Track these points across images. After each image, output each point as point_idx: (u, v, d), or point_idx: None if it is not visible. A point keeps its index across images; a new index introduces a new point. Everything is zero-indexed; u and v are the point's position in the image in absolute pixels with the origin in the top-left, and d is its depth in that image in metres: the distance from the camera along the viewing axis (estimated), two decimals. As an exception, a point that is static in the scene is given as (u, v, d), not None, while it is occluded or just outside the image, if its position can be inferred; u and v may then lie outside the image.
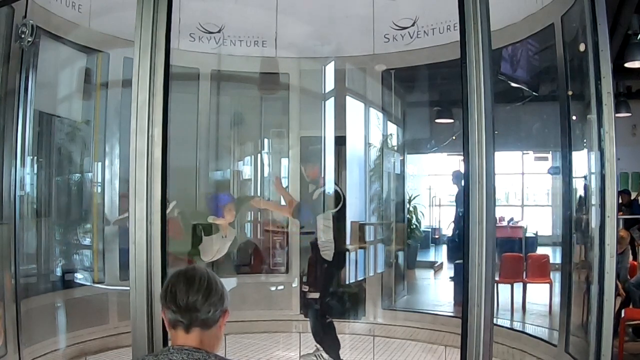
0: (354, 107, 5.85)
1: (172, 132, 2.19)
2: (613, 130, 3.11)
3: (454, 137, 7.52)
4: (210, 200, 5.14)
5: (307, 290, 4.51)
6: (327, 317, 4.40)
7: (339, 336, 4.55)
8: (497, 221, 7.21)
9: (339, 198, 4.53)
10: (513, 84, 4.85)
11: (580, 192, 4.31)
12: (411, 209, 8.87)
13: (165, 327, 2.01)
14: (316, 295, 4.37)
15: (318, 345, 4.49)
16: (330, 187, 4.66)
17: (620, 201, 9.04)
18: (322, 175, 4.66)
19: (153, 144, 2.12)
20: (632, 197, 9.83)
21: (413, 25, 5.31)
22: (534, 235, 10.53)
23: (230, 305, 1.68)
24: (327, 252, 4.36)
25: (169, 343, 1.65)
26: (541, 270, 6.48)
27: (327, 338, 4.42)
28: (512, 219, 11.12)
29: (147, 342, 2.09)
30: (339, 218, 4.54)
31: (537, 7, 4.43)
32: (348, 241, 5.34)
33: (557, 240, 6.06)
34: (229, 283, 5.43)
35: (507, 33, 4.59)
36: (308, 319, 4.58)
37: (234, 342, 4.95)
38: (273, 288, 5.56)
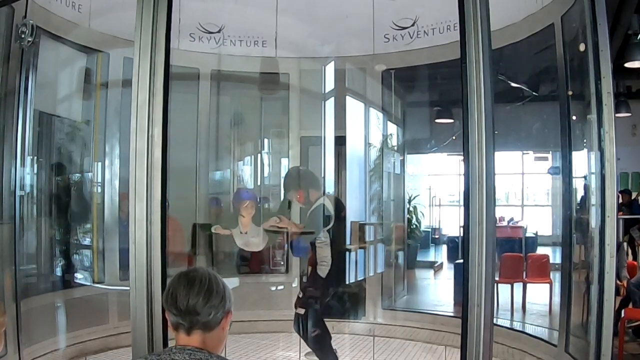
0: (354, 107, 5.85)
1: (172, 132, 2.19)
2: (613, 130, 3.11)
3: (454, 137, 7.53)
4: (234, 196, 5.18)
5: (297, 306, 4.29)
6: (314, 330, 4.17)
7: (339, 336, 4.50)
8: (497, 221, 7.21)
9: (330, 213, 4.36)
10: (513, 84, 4.85)
11: (580, 192, 4.31)
12: (411, 209, 8.89)
13: (165, 327, 2.02)
14: (301, 311, 4.17)
15: None
16: (324, 201, 4.44)
17: (620, 201, 9.04)
18: (309, 194, 4.36)
19: (153, 144, 2.12)
20: (632, 197, 9.83)
21: (413, 25, 5.31)
22: (534, 235, 10.54)
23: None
24: (323, 269, 4.20)
25: (170, 343, 1.67)
26: (541, 270, 6.48)
27: (321, 354, 4.23)
28: (512, 219, 11.14)
29: (147, 342, 2.09)
30: (339, 236, 4.39)
31: (537, 7, 4.43)
32: (348, 241, 5.34)
33: (557, 240, 6.06)
34: (230, 283, 5.43)
35: (507, 33, 4.59)
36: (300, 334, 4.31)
37: (234, 342, 4.95)
38: (273, 288, 5.56)
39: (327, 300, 4.36)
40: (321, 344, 4.24)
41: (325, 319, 4.30)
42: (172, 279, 1.64)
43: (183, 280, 1.60)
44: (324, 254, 4.22)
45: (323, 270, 4.20)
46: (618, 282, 4.52)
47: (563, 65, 4.21)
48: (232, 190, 5.94)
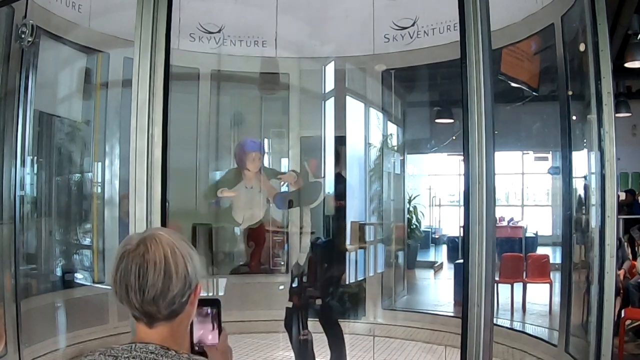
0: (354, 107, 5.85)
1: (172, 132, 2.19)
2: (613, 130, 3.12)
3: (454, 137, 7.52)
4: (237, 148, 4.56)
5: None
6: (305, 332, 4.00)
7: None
8: (497, 221, 7.21)
9: (319, 191, 4.17)
10: (513, 84, 4.85)
11: (580, 192, 4.32)
12: (411, 209, 8.88)
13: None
14: (289, 304, 4.00)
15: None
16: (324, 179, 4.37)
17: (623, 198, 9.04)
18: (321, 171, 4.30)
19: (153, 144, 2.12)
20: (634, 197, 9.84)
21: (413, 25, 5.31)
22: (534, 235, 10.55)
23: (230, 305, 1.64)
24: (301, 255, 4.09)
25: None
26: (541, 270, 6.48)
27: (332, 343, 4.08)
28: (512, 219, 11.15)
29: (147, 342, 2.08)
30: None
31: (537, 7, 4.43)
32: (348, 241, 5.33)
33: (557, 240, 6.06)
34: (220, 283, 5.43)
35: (507, 33, 4.59)
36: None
37: (234, 342, 4.92)
38: (281, 287, 5.50)
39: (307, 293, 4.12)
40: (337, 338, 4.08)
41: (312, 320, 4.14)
42: (119, 260, 1.28)
43: (133, 266, 1.24)
44: (305, 241, 4.11)
45: (301, 257, 4.13)
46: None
47: (563, 65, 4.22)
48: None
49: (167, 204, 2.15)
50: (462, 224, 2.40)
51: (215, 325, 1.47)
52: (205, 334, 1.45)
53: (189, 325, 1.38)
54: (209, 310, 1.46)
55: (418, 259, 9.65)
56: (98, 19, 4.64)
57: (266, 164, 6.23)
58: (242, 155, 4.30)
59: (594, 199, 3.45)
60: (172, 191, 2.22)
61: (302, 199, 4.16)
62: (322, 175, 4.50)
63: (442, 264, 10.12)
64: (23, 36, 3.90)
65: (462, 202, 2.20)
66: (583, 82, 3.77)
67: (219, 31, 5.44)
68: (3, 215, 3.90)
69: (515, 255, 7.24)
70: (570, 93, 4.20)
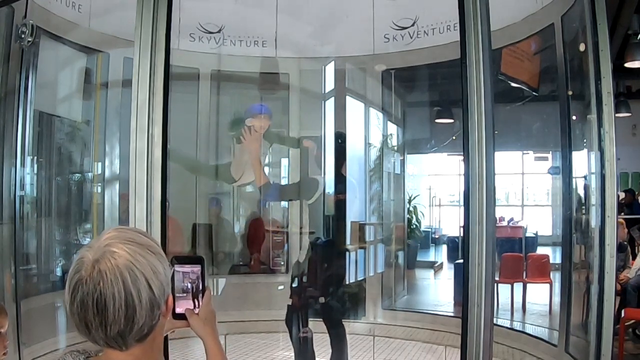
0: (354, 107, 5.85)
1: (172, 132, 2.19)
2: (613, 130, 3.12)
3: (454, 137, 7.52)
4: (245, 113, 4.57)
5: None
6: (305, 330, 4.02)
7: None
8: (497, 221, 7.22)
9: (315, 187, 4.16)
10: (513, 84, 4.85)
11: (580, 192, 4.32)
12: (411, 209, 8.89)
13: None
14: (289, 302, 4.04)
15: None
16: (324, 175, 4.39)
17: (623, 199, 9.04)
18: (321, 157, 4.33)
19: (153, 144, 2.12)
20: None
21: (413, 25, 5.31)
22: (534, 235, 10.55)
23: (230, 305, 1.62)
24: (301, 253, 4.15)
25: (170, 345, 1.42)
26: (541, 270, 6.48)
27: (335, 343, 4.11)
28: (512, 219, 11.15)
29: (147, 342, 2.08)
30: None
31: (537, 7, 4.43)
32: (348, 241, 5.33)
33: (557, 240, 6.06)
34: (219, 284, 5.43)
35: (507, 33, 4.59)
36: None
37: (234, 342, 4.95)
38: (281, 287, 5.50)
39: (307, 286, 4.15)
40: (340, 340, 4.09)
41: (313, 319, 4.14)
42: (73, 288, 1.10)
43: (89, 301, 1.08)
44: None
45: (301, 255, 4.19)
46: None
47: (563, 65, 4.22)
48: (232, 190, 5.94)
49: (167, 203, 2.15)
50: (462, 224, 2.40)
51: (199, 287, 1.34)
52: (187, 297, 1.34)
53: (163, 335, 1.25)
54: (191, 270, 1.34)
55: (418, 259, 9.65)
56: (98, 19, 4.64)
57: (266, 164, 6.23)
58: (251, 117, 4.39)
59: (594, 199, 3.45)
60: (172, 191, 2.22)
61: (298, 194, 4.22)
62: (322, 174, 4.50)
63: (442, 264, 10.12)
64: (23, 36, 3.90)
65: (462, 202, 2.20)
66: (583, 82, 3.77)
67: (219, 31, 5.44)
68: (3, 215, 3.90)
69: (515, 255, 7.24)
70: (570, 93, 4.20)
